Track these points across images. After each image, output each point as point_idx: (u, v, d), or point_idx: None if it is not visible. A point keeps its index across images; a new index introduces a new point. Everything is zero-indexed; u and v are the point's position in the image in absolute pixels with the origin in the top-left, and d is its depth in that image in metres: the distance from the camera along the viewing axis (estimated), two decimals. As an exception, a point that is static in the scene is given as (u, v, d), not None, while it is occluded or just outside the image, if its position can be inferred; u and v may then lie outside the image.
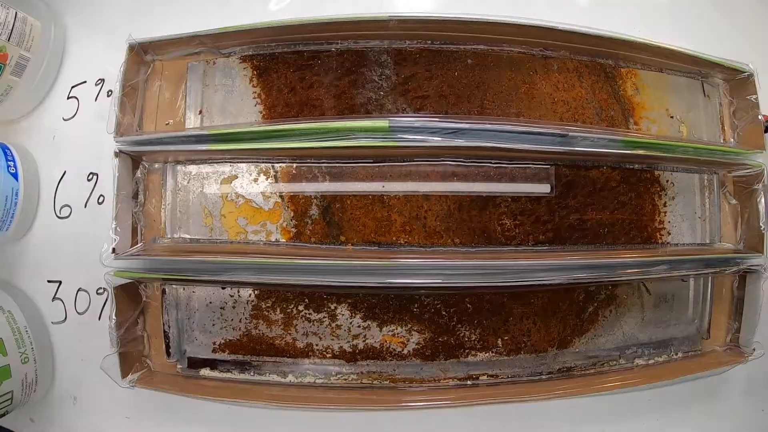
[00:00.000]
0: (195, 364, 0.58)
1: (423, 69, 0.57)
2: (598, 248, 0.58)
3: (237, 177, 0.57)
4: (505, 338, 0.58)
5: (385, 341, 0.57)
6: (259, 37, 0.56)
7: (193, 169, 0.57)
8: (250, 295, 0.57)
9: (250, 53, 0.58)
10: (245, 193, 0.57)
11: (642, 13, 0.63)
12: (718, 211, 0.61)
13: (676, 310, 0.61)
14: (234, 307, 0.57)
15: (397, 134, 0.50)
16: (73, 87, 0.61)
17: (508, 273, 0.53)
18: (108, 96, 0.60)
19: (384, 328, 0.57)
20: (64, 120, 0.61)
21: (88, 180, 0.60)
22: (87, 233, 0.59)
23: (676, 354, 0.61)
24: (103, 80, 0.61)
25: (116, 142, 0.53)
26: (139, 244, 0.56)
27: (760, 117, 0.58)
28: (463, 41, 0.57)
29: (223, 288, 0.57)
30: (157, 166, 0.57)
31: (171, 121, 0.58)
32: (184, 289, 0.57)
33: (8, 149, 0.59)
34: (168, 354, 0.57)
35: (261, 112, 0.57)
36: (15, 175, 0.58)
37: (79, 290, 0.60)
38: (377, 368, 0.58)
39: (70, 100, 0.61)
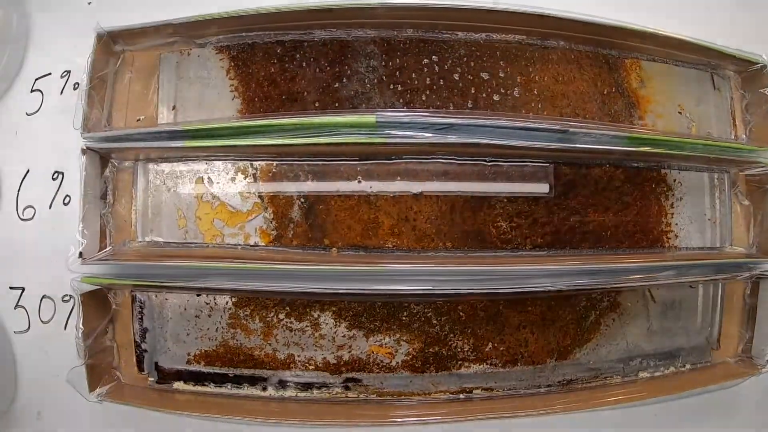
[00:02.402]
0: (168, 376, 0.58)
1: (413, 60, 0.57)
2: (601, 252, 0.58)
3: (213, 176, 0.57)
4: (501, 349, 0.58)
5: (372, 352, 0.58)
6: (237, 25, 0.57)
7: (165, 167, 0.58)
8: (227, 302, 0.57)
9: (227, 43, 0.58)
10: (222, 194, 0.57)
11: (647, -1, 0.64)
12: (729, 213, 0.61)
13: (684, 318, 0.61)
14: (210, 316, 0.57)
15: (384, 130, 0.50)
16: (37, 79, 0.61)
17: (503, 279, 0.53)
18: (74, 89, 0.60)
19: (371, 338, 0.57)
20: (28, 115, 0.61)
21: (53, 179, 0.60)
22: (52, 236, 0.59)
23: (684, 366, 0.61)
24: (69, 72, 0.61)
25: (83, 138, 0.53)
26: (107, 248, 0.56)
27: (774, 111, 0.59)
28: (455, 30, 0.58)
29: (198, 295, 0.57)
30: (127, 164, 0.58)
31: (142, 116, 0.58)
32: (156, 296, 0.57)
33: (-33, 146, 0.59)
34: (139, 366, 0.58)
35: (239, 107, 0.57)
36: (-25, 174, 0.58)
37: (43, 297, 0.60)
38: (363, 381, 0.58)
39: (33, 93, 0.61)
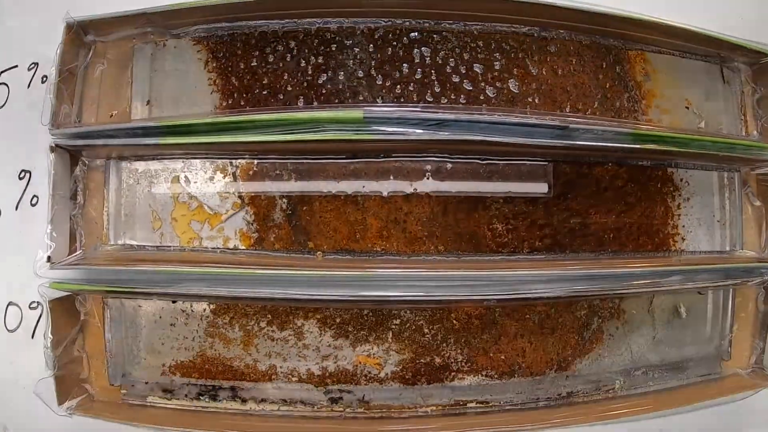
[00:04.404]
0: (141, 388, 0.58)
1: (403, 52, 0.57)
2: (603, 256, 0.58)
3: (190, 175, 0.57)
4: (497, 359, 0.58)
5: (360, 363, 0.57)
6: (216, 14, 0.56)
7: (140, 166, 0.57)
8: (204, 309, 0.57)
9: (205, 34, 0.57)
10: (199, 194, 0.57)
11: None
12: (739, 214, 0.61)
13: (692, 327, 0.61)
14: (186, 324, 0.57)
15: (372, 126, 0.50)
16: (2, 72, 0.61)
17: (499, 284, 0.53)
18: (43, 82, 0.60)
19: (358, 348, 0.57)
20: (-7, 110, 0.61)
21: (20, 178, 0.59)
22: (18, 239, 0.58)
23: (692, 377, 0.61)
24: (36, 64, 0.60)
25: (52, 135, 0.53)
26: (78, 252, 0.56)
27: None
28: (447, 19, 0.57)
29: (173, 302, 0.57)
30: (98, 162, 0.57)
31: (115, 111, 0.58)
32: (129, 302, 0.57)
33: (-71, 143, 0.58)
34: (110, 377, 0.57)
35: (217, 101, 0.56)
36: (-63, 173, 0.58)
37: (9, 304, 0.59)
38: (350, 394, 0.58)
39: (-1, 86, 0.61)
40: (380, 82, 0.56)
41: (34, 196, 0.59)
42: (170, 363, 0.57)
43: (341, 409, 0.57)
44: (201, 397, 0.57)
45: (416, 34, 0.57)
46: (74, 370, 0.56)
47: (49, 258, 0.52)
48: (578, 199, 0.58)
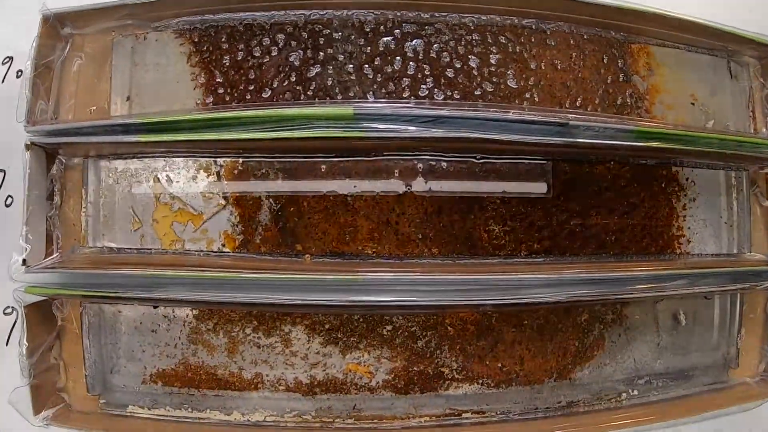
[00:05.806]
0: (121, 398, 0.57)
1: (395, 46, 0.56)
2: (604, 259, 0.58)
3: (172, 174, 0.57)
4: (493, 367, 0.58)
5: (350, 371, 0.57)
6: (199, 6, 0.56)
7: (119, 164, 0.57)
8: (187, 315, 0.57)
9: (188, 26, 0.57)
10: (182, 194, 0.56)
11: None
12: (747, 215, 0.61)
13: (698, 333, 0.61)
14: (168, 330, 0.57)
15: (363, 123, 0.49)
16: (-25, 67, 0.61)
17: (496, 289, 0.52)
18: (18, 77, 0.59)
19: (348, 355, 0.57)
20: (-34, 106, 0.60)
21: (-6, 178, 0.59)
22: (-8, 241, 0.58)
23: (698, 386, 0.61)
24: (11, 58, 0.60)
25: (27, 132, 0.52)
26: (54, 255, 0.55)
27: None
28: (442, 11, 0.57)
29: (155, 307, 0.57)
30: (76, 161, 0.57)
31: (93, 107, 0.57)
32: (108, 308, 0.57)
33: None
34: (89, 386, 0.57)
35: (201, 97, 0.56)
36: None
37: (-18, 310, 0.59)
38: (340, 403, 0.57)
39: (-28, 82, 0.60)
40: (371, 77, 0.56)
41: (9, 196, 0.59)
42: (151, 371, 0.57)
43: (330, 419, 0.57)
44: (183, 407, 0.57)
45: (409, 26, 0.56)
46: (51, 379, 0.56)
47: (24, 261, 0.51)
48: (579, 200, 0.57)
